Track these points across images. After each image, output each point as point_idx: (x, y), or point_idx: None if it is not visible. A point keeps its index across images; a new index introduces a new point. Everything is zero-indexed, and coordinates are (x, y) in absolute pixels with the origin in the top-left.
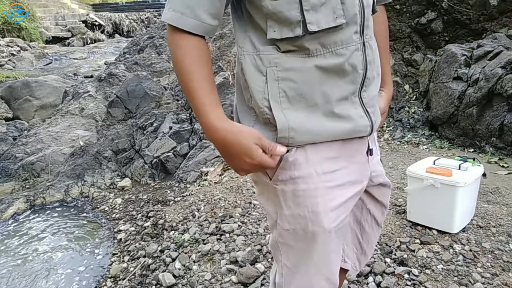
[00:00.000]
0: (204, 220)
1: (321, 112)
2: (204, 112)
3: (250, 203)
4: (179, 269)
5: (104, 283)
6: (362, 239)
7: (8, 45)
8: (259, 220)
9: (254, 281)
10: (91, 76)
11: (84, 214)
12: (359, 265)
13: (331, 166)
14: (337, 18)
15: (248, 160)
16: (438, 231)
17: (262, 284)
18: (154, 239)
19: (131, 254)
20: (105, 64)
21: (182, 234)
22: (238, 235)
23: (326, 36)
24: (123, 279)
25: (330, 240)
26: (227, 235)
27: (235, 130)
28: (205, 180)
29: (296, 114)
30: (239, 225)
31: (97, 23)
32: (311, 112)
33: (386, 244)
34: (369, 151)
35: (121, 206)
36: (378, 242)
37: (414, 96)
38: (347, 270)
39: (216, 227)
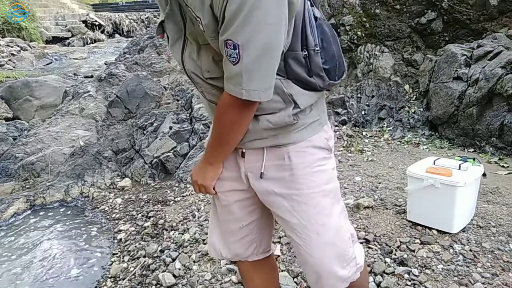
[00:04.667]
0: (204, 220)
1: None
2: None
3: None
4: (179, 269)
5: (104, 283)
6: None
7: (8, 45)
8: None
9: None
10: (91, 76)
11: (84, 214)
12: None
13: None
14: None
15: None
16: (438, 231)
17: None
18: (154, 239)
19: (131, 254)
20: (105, 64)
21: (182, 234)
22: None
23: None
24: (123, 279)
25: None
26: None
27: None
28: None
29: None
30: None
31: (97, 23)
32: None
33: (386, 244)
34: (242, 154)
35: (121, 206)
36: (378, 242)
37: (414, 96)
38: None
39: None
